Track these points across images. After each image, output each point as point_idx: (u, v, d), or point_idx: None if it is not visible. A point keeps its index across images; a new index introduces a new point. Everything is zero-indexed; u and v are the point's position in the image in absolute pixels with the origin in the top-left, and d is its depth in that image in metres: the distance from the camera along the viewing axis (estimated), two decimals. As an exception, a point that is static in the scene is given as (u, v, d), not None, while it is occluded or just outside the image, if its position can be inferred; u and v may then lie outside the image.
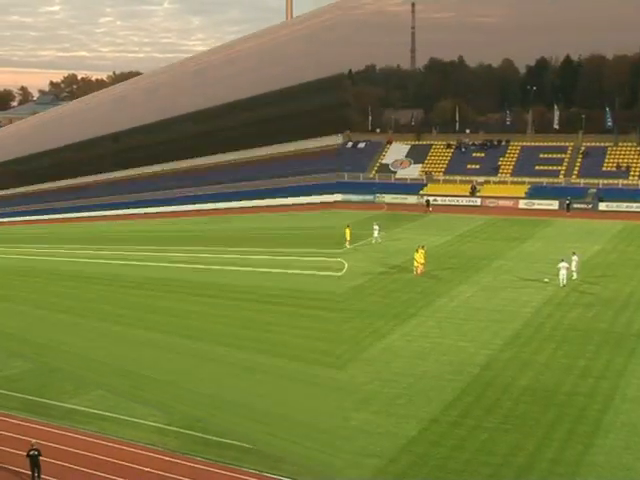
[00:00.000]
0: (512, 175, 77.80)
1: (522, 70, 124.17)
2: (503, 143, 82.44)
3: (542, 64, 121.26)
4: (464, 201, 74.37)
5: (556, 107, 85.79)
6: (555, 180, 75.21)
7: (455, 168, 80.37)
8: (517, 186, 75.30)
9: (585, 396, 25.03)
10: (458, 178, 78.58)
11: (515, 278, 42.05)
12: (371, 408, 24.21)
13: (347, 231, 51.53)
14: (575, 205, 68.65)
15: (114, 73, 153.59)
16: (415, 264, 43.27)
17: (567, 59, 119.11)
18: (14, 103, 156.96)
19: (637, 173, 73.91)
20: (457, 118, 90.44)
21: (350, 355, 28.96)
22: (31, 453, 20.22)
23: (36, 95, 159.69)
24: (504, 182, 77.08)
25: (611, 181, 72.72)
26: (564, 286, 39.54)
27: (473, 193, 75.79)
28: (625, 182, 72.76)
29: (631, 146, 76.71)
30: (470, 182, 77.27)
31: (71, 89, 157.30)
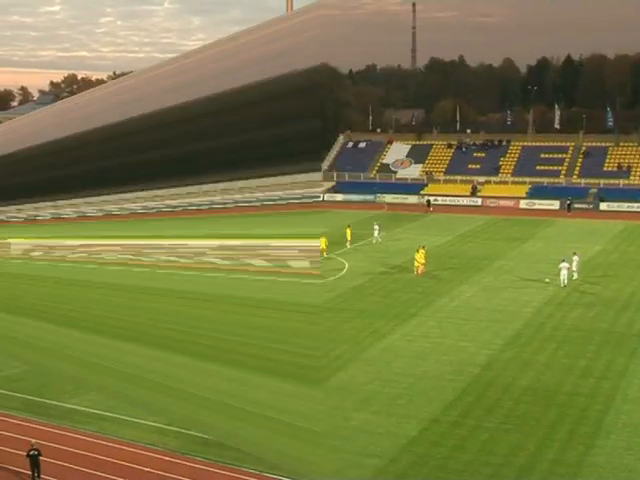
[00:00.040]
0: (513, 175, 77.75)
1: (523, 70, 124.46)
2: (504, 143, 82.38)
3: (543, 64, 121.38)
4: (465, 201, 74.29)
5: (557, 107, 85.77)
6: (556, 180, 75.15)
7: (456, 168, 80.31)
8: (518, 186, 75.25)
9: (586, 396, 24.96)
10: (459, 178, 78.53)
11: (516, 278, 41.99)
12: (371, 408, 24.16)
13: (348, 231, 51.51)
14: (576, 205, 68.56)
15: (114, 73, 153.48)
16: (416, 264, 43.20)
17: (568, 59, 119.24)
18: (14, 103, 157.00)
19: (638, 173, 73.85)
20: (458, 118, 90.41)
21: (350, 355, 28.94)
22: (31, 453, 20.18)
23: (36, 95, 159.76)
24: (505, 182, 77.03)
25: (612, 181, 72.66)
26: (565, 286, 39.48)
27: (474, 193, 75.74)
28: (626, 182, 72.70)
29: (632, 146, 76.63)
30: (471, 182, 77.23)
31: (71, 89, 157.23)
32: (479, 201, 74.00)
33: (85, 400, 24.71)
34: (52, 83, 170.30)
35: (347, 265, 45.50)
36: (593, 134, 79.37)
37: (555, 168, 76.53)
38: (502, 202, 72.20)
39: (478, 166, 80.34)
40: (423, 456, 20.92)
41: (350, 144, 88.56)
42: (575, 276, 40.96)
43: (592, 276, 42.12)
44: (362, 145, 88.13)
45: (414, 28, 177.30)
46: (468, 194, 75.50)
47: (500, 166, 79.37)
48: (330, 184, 77.50)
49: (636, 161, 75.13)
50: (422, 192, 76.57)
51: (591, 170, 74.33)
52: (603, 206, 69.28)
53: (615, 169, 74.38)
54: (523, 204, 71.86)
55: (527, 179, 75.75)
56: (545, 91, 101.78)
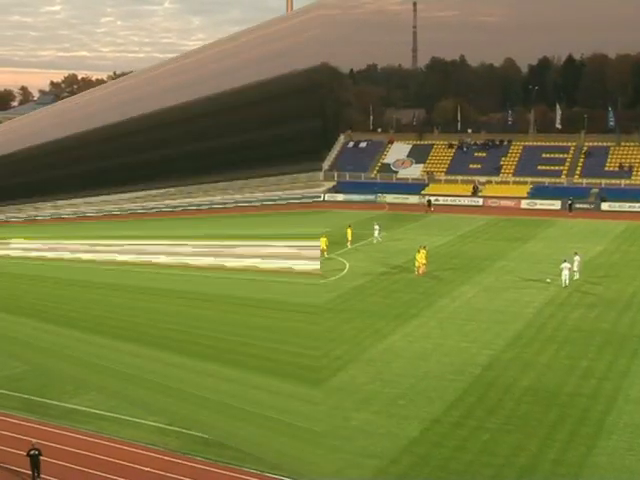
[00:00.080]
0: (514, 175, 77.71)
1: (524, 69, 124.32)
2: (505, 143, 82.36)
3: (544, 63, 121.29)
4: (466, 201, 74.26)
5: (558, 107, 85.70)
6: (557, 180, 75.11)
7: (457, 168, 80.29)
8: (519, 186, 75.21)
9: (588, 397, 24.94)
10: (460, 178, 78.50)
11: (517, 278, 41.96)
12: (372, 408, 24.14)
13: (348, 231, 51.51)
14: (577, 205, 68.52)
15: (114, 73, 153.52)
16: (417, 264, 43.19)
17: (569, 58, 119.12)
18: (14, 103, 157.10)
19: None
20: (459, 118, 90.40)
21: (351, 355, 28.93)
22: (31, 453, 20.19)
23: (36, 95, 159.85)
24: (506, 182, 76.99)
25: (614, 181, 72.61)
26: (566, 286, 39.44)
27: (475, 193, 75.71)
28: (628, 182, 72.65)
29: (634, 146, 76.58)
30: (472, 182, 77.19)
31: (72, 89, 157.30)
32: (480, 201, 73.97)
33: (85, 400, 24.71)
34: (52, 83, 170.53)
35: (348, 265, 45.51)
36: (594, 134, 79.35)
37: (556, 168, 76.48)
38: (503, 202, 72.16)
39: (479, 166, 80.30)
40: (424, 457, 20.90)
41: (351, 144, 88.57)
42: (576, 276, 40.92)
43: (594, 276, 42.08)
44: (363, 145, 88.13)
45: (415, 27, 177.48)
46: (469, 194, 75.48)
47: (501, 166, 79.34)
48: (331, 184, 77.51)
49: (638, 161, 75.07)
50: (423, 192, 76.52)
51: (592, 170, 74.29)
52: (605, 206, 69.23)
53: (617, 169, 74.33)
54: (524, 204, 71.82)
55: (528, 179, 75.71)
56: (546, 91, 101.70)
